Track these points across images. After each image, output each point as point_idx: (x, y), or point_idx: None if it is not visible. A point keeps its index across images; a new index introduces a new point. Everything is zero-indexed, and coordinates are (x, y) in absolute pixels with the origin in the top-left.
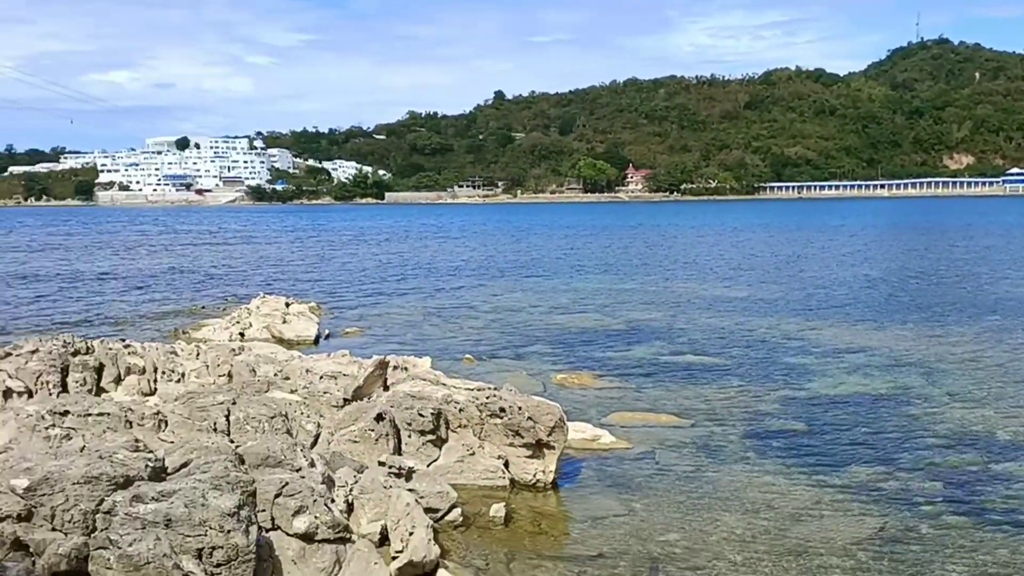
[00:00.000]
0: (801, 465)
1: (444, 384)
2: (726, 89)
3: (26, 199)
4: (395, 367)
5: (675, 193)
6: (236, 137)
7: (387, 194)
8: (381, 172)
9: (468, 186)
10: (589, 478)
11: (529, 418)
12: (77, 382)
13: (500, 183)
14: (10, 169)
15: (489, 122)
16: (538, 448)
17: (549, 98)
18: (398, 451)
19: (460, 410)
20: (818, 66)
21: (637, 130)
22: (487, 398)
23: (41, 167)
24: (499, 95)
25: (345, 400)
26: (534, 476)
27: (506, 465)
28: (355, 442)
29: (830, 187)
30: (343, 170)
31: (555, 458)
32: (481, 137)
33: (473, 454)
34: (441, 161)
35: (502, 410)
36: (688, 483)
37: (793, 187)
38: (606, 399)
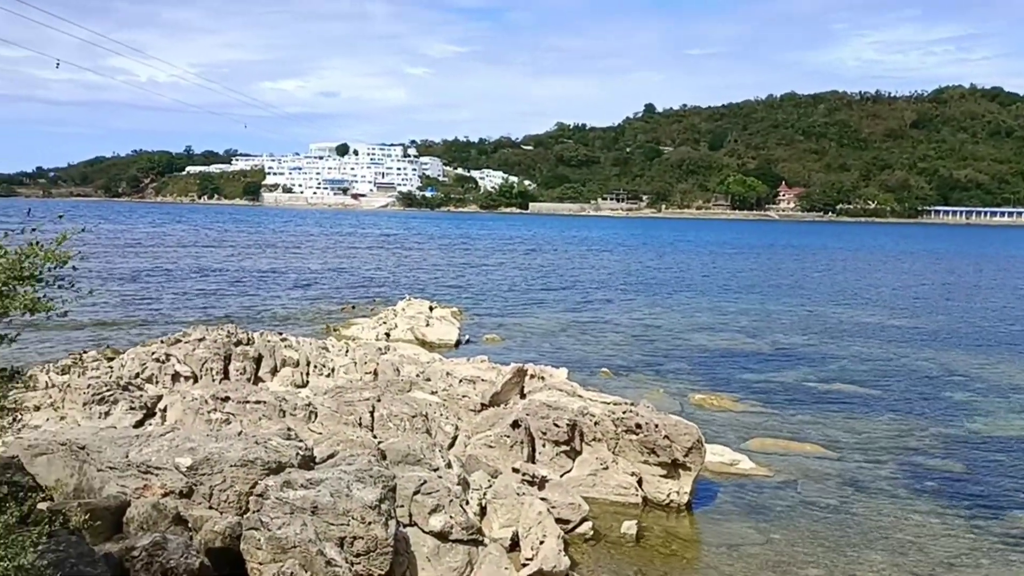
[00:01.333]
0: (957, 508)
1: (580, 396)
2: (891, 106)
3: (200, 197)
4: (532, 376)
5: (830, 213)
6: (391, 145)
7: (531, 204)
8: (527, 182)
9: (612, 199)
10: (725, 503)
11: (666, 437)
12: (238, 370)
13: (645, 197)
14: (187, 169)
15: (637, 135)
16: (673, 468)
17: (700, 112)
18: (532, 459)
19: (595, 423)
20: (995, 84)
21: (792, 146)
22: (623, 413)
23: (215, 168)
24: (649, 108)
25: (483, 405)
26: (668, 496)
27: (639, 483)
28: (490, 447)
29: (1003, 213)
30: (490, 179)
31: (691, 480)
32: (628, 150)
33: (606, 468)
34: (587, 173)
35: (638, 426)
36: (832, 517)
37: (961, 212)
38: (746, 423)
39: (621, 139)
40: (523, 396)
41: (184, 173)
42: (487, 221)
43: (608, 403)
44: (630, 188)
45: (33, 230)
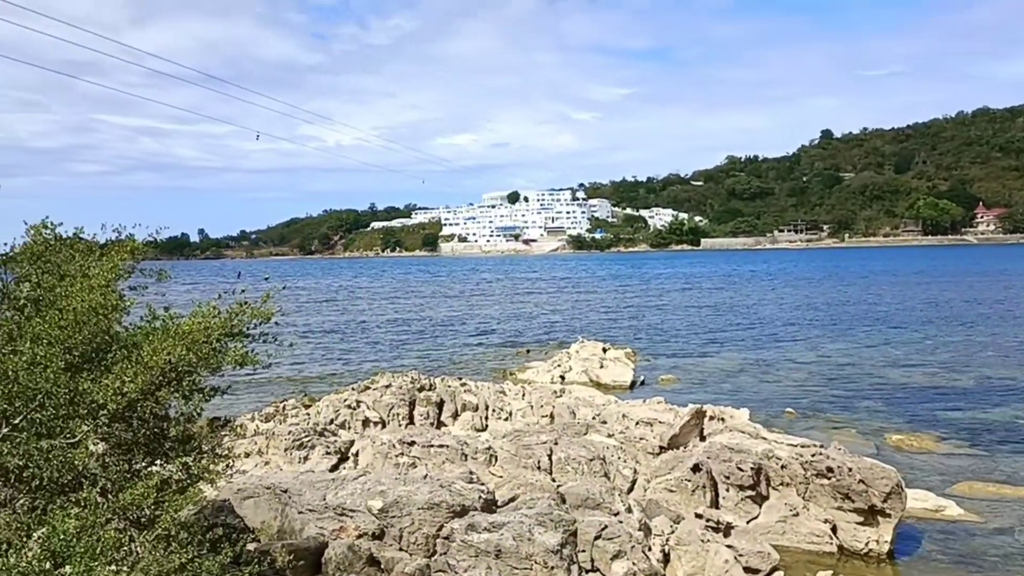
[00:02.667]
0: None
1: (764, 438)
2: None
3: (383, 250)
4: (712, 417)
5: None
6: (560, 189)
7: (703, 240)
8: (697, 218)
9: (789, 230)
10: (931, 552)
11: (861, 481)
12: (422, 415)
13: (825, 226)
14: (372, 224)
15: (814, 163)
16: (871, 514)
17: (883, 134)
18: (715, 504)
19: (782, 467)
20: None
21: (989, 164)
22: (812, 456)
23: (396, 222)
24: (826, 134)
25: (661, 447)
26: (866, 544)
27: (833, 530)
28: (671, 491)
29: None
30: (659, 217)
31: (891, 527)
32: (805, 179)
33: (796, 515)
34: (760, 205)
35: (829, 470)
36: None
37: None
38: (951, 466)
39: (796, 168)
40: (703, 438)
41: (368, 229)
42: (658, 260)
43: (795, 445)
44: (808, 218)
45: (243, 291)
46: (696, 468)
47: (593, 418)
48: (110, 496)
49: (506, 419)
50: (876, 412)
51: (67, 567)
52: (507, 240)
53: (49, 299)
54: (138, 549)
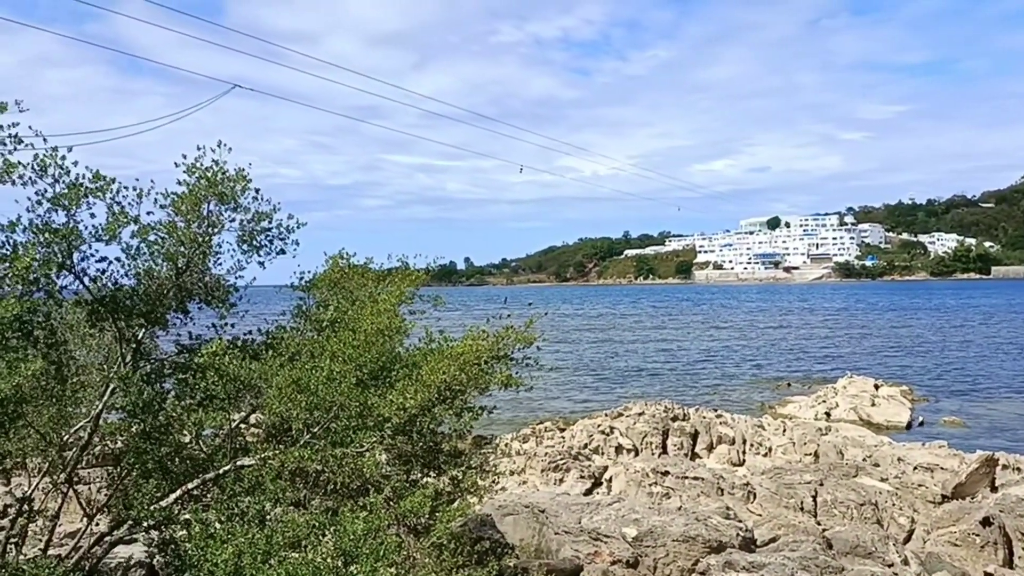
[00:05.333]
0: None
1: None
2: None
3: (636, 278)
4: (1006, 466)
5: None
6: (826, 214)
7: (993, 268)
8: (987, 244)
9: None
10: None
11: None
12: (675, 445)
13: None
14: (625, 252)
15: None
16: None
17: None
18: (1008, 564)
19: None
20: None
21: None
22: None
23: (649, 250)
24: None
25: (943, 496)
26: None
27: None
28: (955, 545)
29: None
30: (941, 243)
31: None
32: None
33: None
34: None
35: None
36: None
37: None
38: None
39: None
40: (994, 489)
41: (622, 256)
42: (942, 289)
43: None
44: None
45: (508, 316)
46: (986, 522)
47: (864, 459)
48: (392, 503)
49: (765, 455)
50: None
51: (354, 566)
52: (766, 267)
53: (344, 321)
54: (415, 554)
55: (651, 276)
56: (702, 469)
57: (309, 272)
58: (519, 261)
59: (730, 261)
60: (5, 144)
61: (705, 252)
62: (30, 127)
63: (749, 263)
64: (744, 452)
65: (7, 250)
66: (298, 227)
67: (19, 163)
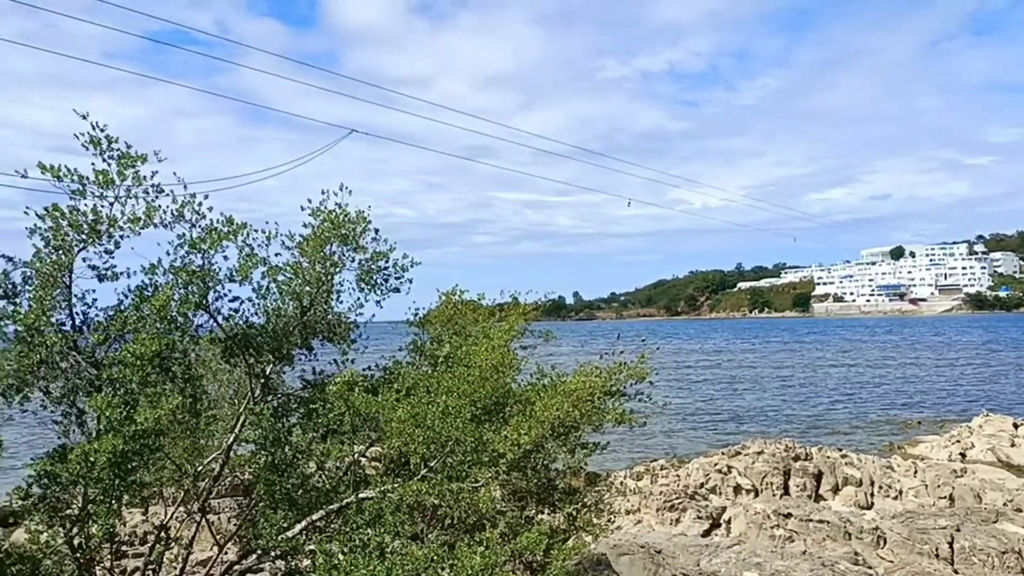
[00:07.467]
0: None
1: None
2: None
3: (751, 311)
4: None
5: None
6: (954, 243)
7: None
8: None
9: None
10: None
11: None
12: (797, 486)
13: None
14: (738, 285)
15: None
16: None
17: None
18: None
19: None
20: None
21: None
22: None
23: (764, 282)
24: None
25: None
26: None
27: None
28: None
29: None
30: None
31: None
32: None
33: None
34: None
35: None
36: None
37: None
38: None
39: None
40: None
41: (735, 289)
42: None
43: None
44: None
45: (621, 352)
46: None
47: (1005, 504)
48: (507, 539)
49: (895, 497)
50: None
51: None
52: (890, 299)
53: (458, 357)
54: None
55: (766, 309)
56: (827, 512)
57: (423, 308)
58: (628, 295)
59: (851, 293)
60: (148, 192)
61: (824, 284)
62: (174, 174)
63: (872, 295)
64: (872, 494)
65: (149, 291)
66: (412, 266)
67: (160, 207)
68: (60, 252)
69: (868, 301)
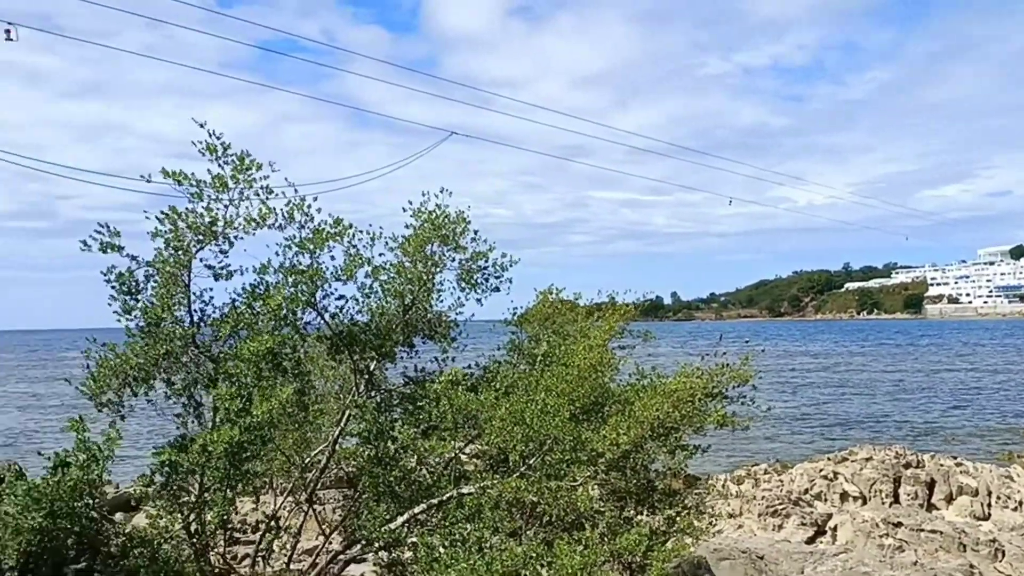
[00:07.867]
0: None
1: None
2: None
3: (859, 312)
4: None
5: None
6: None
7: None
8: None
9: None
10: None
11: None
12: (908, 495)
13: None
14: (846, 285)
15: None
16: None
17: None
18: None
19: None
20: None
21: None
22: None
23: (873, 283)
24: None
25: None
26: None
27: None
28: None
29: None
30: None
31: None
32: None
33: None
34: None
35: None
36: None
37: None
38: None
39: None
40: None
41: (842, 290)
42: None
43: None
44: None
45: (723, 353)
46: None
47: None
48: (606, 539)
49: (1015, 509)
50: None
51: None
52: (1009, 301)
53: (556, 355)
54: None
55: (875, 310)
56: (940, 522)
57: (520, 308)
58: (728, 295)
59: (967, 294)
60: (259, 195)
61: (938, 284)
62: (285, 179)
63: (990, 296)
64: (989, 505)
65: (261, 290)
66: (511, 265)
67: (273, 209)
68: (180, 252)
69: (986, 303)
